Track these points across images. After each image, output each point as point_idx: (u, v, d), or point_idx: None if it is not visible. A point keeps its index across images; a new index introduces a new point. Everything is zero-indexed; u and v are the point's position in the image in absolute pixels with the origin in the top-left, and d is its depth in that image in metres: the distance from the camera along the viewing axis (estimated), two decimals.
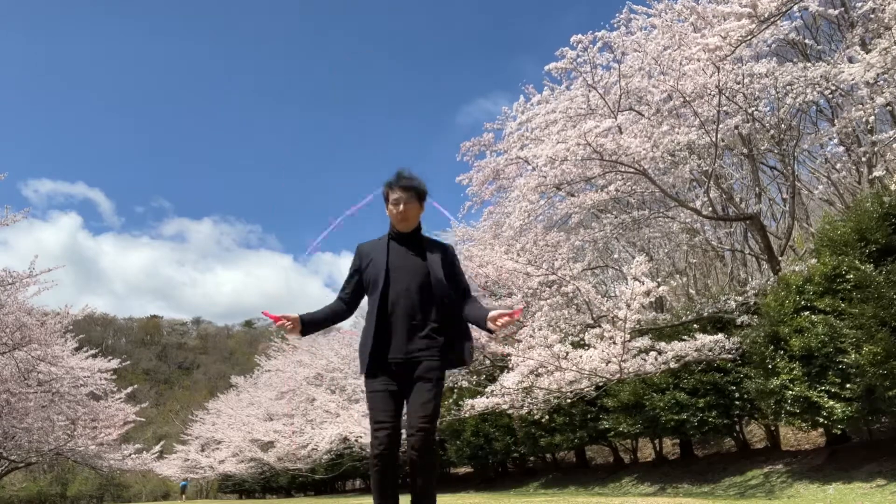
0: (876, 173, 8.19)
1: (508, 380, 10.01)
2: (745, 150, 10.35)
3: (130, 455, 22.18)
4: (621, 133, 9.20)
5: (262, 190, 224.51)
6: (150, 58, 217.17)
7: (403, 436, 3.11)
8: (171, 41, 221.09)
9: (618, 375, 8.93)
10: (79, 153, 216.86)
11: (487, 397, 11.04)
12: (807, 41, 10.65)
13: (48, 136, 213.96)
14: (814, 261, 7.98)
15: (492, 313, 3.12)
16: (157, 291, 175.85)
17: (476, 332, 12.84)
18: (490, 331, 3.16)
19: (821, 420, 7.35)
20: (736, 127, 9.52)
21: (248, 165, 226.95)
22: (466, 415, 12.97)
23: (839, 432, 9.02)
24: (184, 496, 44.33)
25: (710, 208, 10.15)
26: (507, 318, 3.07)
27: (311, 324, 3.31)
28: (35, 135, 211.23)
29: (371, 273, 3.29)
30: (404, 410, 3.16)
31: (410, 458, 3.02)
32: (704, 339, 8.87)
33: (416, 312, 3.18)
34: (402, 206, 3.26)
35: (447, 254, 3.37)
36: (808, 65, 8.79)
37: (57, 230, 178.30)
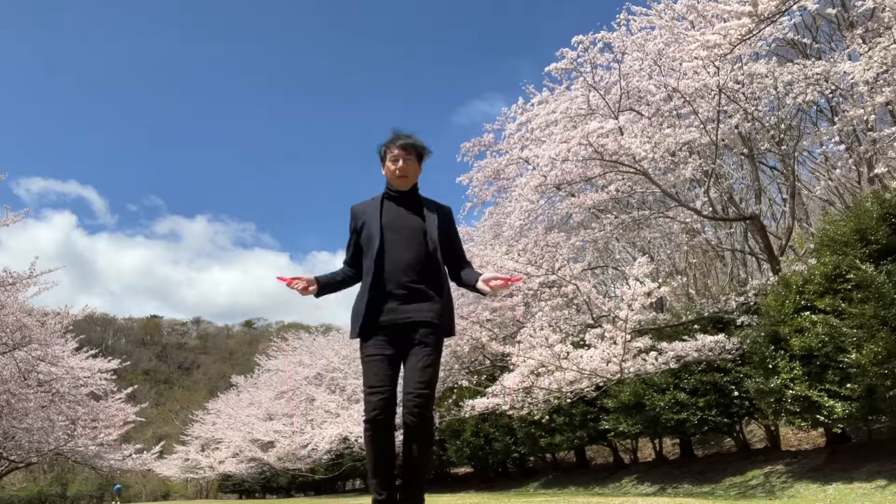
0: (877, 170, 8.19)
1: (508, 380, 10.01)
2: (745, 150, 10.34)
3: (130, 455, 22.15)
4: (622, 134, 9.20)
5: (254, 187, 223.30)
6: (140, 54, 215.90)
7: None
8: (163, 38, 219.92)
9: (618, 375, 8.94)
10: (70, 150, 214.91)
11: (487, 397, 11.04)
12: (806, 41, 10.65)
13: (39, 133, 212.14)
14: (814, 261, 7.98)
15: (486, 275, 3.06)
16: (153, 291, 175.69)
17: (477, 333, 12.89)
18: (482, 292, 3.10)
19: (821, 419, 7.35)
20: (736, 126, 9.53)
21: (240, 162, 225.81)
22: (466, 415, 12.98)
23: (839, 431, 9.02)
24: (118, 499, 44.24)
25: (710, 208, 10.15)
26: (500, 282, 3.01)
27: (328, 285, 3.22)
28: (26, 132, 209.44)
29: (365, 234, 3.16)
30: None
31: (406, 424, 2.89)
32: (705, 339, 8.88)
33: (412, 274, 3.05)
34: (400, 163, 3.15)
35: (445, 215, 3.24)
36: (808, 63, 8.78)
37: (52, 229, 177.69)
